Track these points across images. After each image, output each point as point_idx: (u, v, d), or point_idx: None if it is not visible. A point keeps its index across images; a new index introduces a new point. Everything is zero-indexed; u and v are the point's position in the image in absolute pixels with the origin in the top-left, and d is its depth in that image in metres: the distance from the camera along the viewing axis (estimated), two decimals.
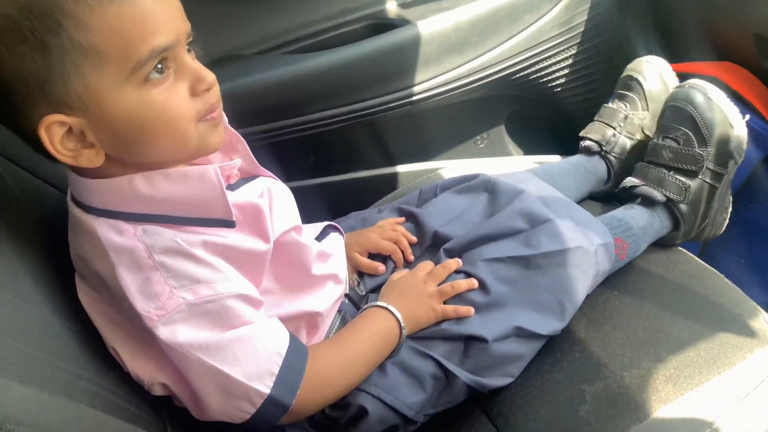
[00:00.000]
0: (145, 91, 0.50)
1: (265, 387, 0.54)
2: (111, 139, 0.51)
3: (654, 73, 0.91)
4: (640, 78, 0.91)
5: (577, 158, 0.93)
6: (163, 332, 0.51)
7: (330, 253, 0.70)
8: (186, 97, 0.52)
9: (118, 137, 0.51)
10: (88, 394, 0.47)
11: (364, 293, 0.76)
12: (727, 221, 0.89)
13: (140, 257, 0.51)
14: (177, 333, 0.51)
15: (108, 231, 0.52)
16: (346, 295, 0.73)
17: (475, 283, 0.70)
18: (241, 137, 0.64)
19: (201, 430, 0.58)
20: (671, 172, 0.82)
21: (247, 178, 0.63)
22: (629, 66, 0.94)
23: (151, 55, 0.49)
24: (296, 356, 0.57)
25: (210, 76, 0.53)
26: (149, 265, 0.51)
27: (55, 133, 0.49)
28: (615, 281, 0.77)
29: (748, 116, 0.84)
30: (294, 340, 0.58)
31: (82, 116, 0.49)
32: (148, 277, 0.51)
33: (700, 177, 0.82)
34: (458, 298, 0.70)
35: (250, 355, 0.54)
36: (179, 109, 0.51)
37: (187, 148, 0.54)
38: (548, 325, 0.69)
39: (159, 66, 0.50)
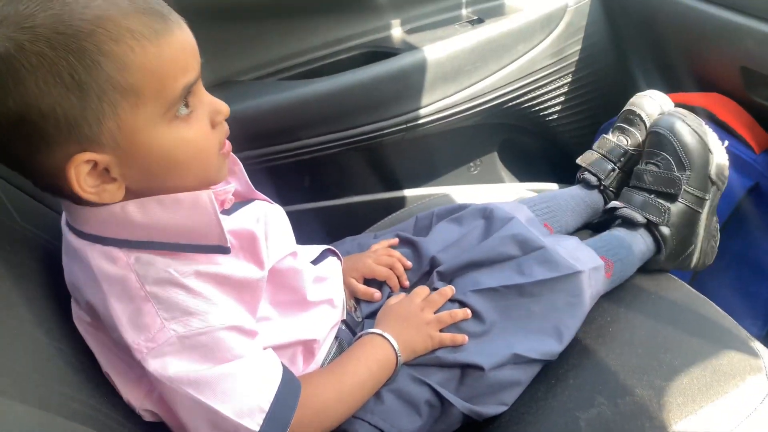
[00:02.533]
0: (176, 127, 0.50)
1: (255, 424, 0.53)
2: (138, 174, 0.50)
3: (655, 109, 0.93)
4: (642, 113, 0.93)
5: (575, 190, 0.94)
6: (153, 365, 0.50)
7: (326, 277, 0.70)
8: (208, 129, 0.53)
9: (146, 172, 0.51)
10: (82, 416, 0.46)
11: (360, 319, 0.76)
12: (716, 250, 0.90)
13: (132, 287, 0.51)
14: (167, 366, 0.51)
15: (100, 259, 0.52)
16: (343, 321, 0.72)
17: (469, 313, 0.70)
18: (238, 160, 0.64)
19: None
20: (652, 195, 0.85)
21: (242, 202, 0.63)
22: (631, 100, 0.95)
23: (183, 92, 0.50)
24: (288, 391, 0.56)
25: (225, 106, 0.54)
26: (141, 295, 0.51)
27: (81, 171, 0.48)
28: (607, 307, 0.77)
29: (727, 143, 0.86)
30: (287, 374, 0.57)
31: (112, 153, 0.48)
32: (139, 308, 0.51)
33: (680, 200, 0.84)
34: (453, 326, 0.70)
35: (240, 391, 0.53)
36: (206, 142, 0.53)
37: (207, 180, 0.55)
38: (546, 349, 0.70)
39: (185, 101, 0.51)
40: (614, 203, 0.86)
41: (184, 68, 0.49)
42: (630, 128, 0.93)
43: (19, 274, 0.54)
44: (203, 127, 0.53)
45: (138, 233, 0.52)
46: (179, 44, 0.49)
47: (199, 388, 0.51)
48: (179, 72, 0.49)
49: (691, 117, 0.86)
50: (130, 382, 0.54)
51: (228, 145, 0.57)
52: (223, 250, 0.54)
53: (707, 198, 0.85)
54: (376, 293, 0.78)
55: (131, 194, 0.52)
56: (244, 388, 0.53)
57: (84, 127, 0.47)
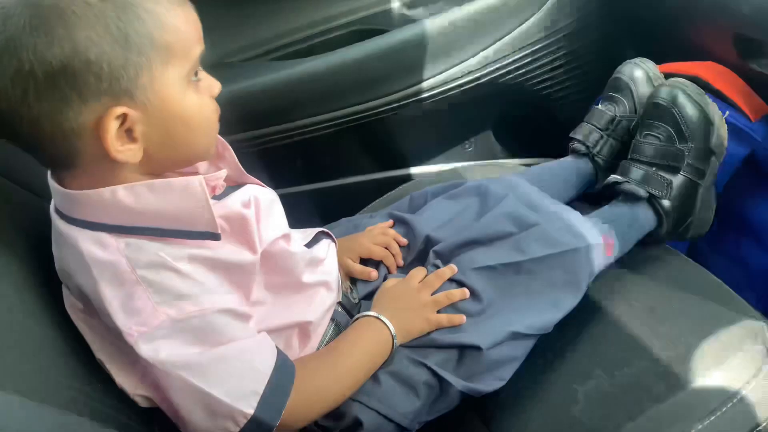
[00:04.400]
0: (192, 92, 0.54)
1: (249, 407, 0.53)
2: (159, 133, 0.52)
3: (642, 75, 0.92)
4: (628, 80, 0.92)
5: (565, 161, 0.94)
6: (145, 349, 0.50)
7: (321, 259, 0.69)
8: (211, 100, 0.57)
9: (167, 133, 0.52)
10: (77, 403, 0.46)
11: (357, 300, 0.76)
12: (712, 219, 0.89)
13: (122, 272, 0.51)
14: (159, 350, 0.50)
15: (90, 245, 0.51)
16: (339, 303, 0.72)
17: (467, 293, 0.70)
18: (227, 145, 0.64)
19: None
20: (653, 169, 0.83)
21: (233, 186, 0.63)
22: (618, 68, 0.95)
23: (199, 59, 0.54)
24: (283, 374, 0.56)
25: (218, 83, 0.58)
26: (132, 280, 0.50)
27: (112, 127, 0.49)
28: (604, 281, 0.77)
29: (727, 113, 0.85)
30: (281, 357, 0.57)
31: (141, 110, 0.50)
32: (131, 293, 0.50)
33: (681, 173, 0.83)
34: (451, 306, 0.70)
35: (234, 375, 0.53)
36: (212, 110, 0.57)
37: (207, 153, 0.59)
38: (542, 324, 0.70)
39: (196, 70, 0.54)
40: (615, 177, 0.85)
41: (199, 38, 0.53)
42: (617, 95, 0.92)
43: (9, 263, 0.53)
44: (207, 96, 0.56)
45: (128, 218, 0.52)
46: (196, 16, 0.54)
47: (192, 372, 0.51)
48: (198, 40, 0.53)
49: (692, 87, 0.85)
50: (124, 367, 0.54)
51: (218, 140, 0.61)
52: (214, 236, 0.54)
53: (707, 169, 0.84)
54: (373, 272, 0.78)
55: (143, 162, 0.53)
56: (238, 371, 0.53)
57: (123, 79, 0.49)
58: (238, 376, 0.53)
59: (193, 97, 0.54)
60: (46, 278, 0.56)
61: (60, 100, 0.48)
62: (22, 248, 0.57)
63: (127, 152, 0.51)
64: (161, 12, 0.50)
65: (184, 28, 0.51)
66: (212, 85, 0.57)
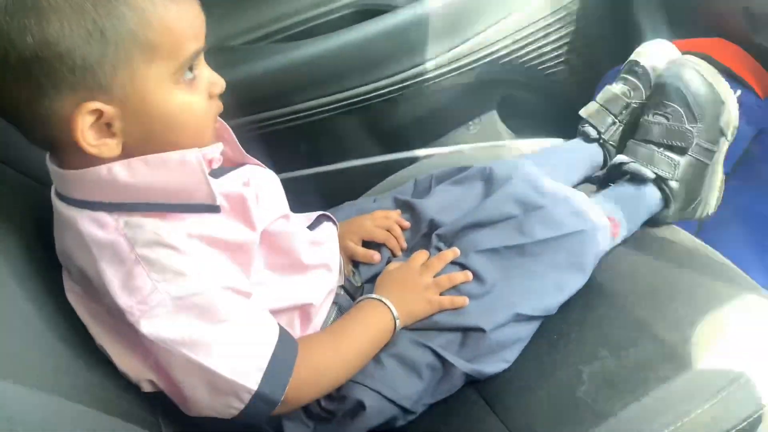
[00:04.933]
0: (179, 90, 0.52)
1: (253, 383, 0.53)
2: (138, 130, 0.51)
3: (660, 59, 0.90)
4: (645, 64, 0.89)
5: (574, 144, 0.92)
6: (146, 327, 0.50)
7: (322, 241, 0.69)
8: (207, 99, 0.55)
9: (146, 130, 0.51)
10: (78, 391, 0.46)
11: (359, 284, 0.76)
12: (719, 200, 0.88)
13: (122, 251, 0.51)
14: (160, 328, 0.50)
15: (90, 225, 0.51)
16: (342, 287, 0.72)
17: (470, 275, 0.70)
18: (226, 125, 0.63)
19: (195, 425, 0.57)
20: (661, 149, 0.82)
21: (233, 167, 0.63)
22: (637, 50, 0.92)
23: (192, 57, 0.52)
24: (285, 350, 0.56)
25: (222, 81, 0.56)
26: (131, 258, 0.50)
27: (86, 121, 0.48)
28: (611, 261, 0.76)
29: (739, 92, 0.84)
30: (283, 334, 0.57)
31: (119, 106, 0.49)
32: (131, 271, 0.50)
33: (689, 153, 0.81)
34: (454, 288, 0.70)
35: (236, 351, 0.53)
36: (204, 110, 0.55)
37: (198, 146, 0.55)
38: (546, 305, 0.69)
39: (190, 66, 0.52)
40: (621, 158, 0.84)
41: (196, 35, 0.52)
42: (633, 79, 0.90)
43: (8, 249, 0.53)
44: (203, 95, 0.54)
45: (126, 195, 0.52)
46: (195, 11, 0.52)
47: (194, 349, 0.51)
48: (193, 37, 0.51)
49: (703, 65, 0.83)
50: (125, 351, 0.54)
51: (218, 122, 0.59)
52: (213, 208, 0.54)
53: (716, 150, 0.83)
54: (376, 255, 0.78)
55: (126, 154, 0.52)
56: (241, 347, 0.53)
57: (98, 74, 0.47)
58: (240, 353, 0.53)
59: (181, 97, 0.52)
60: (47, 265, 0.56)
61: (35, 88, 0.47)
62: (22, 235, 0.57)
63: (102, 147, 0.50)
64: (146, 8, 0.48)
65: (175, 25, 0.50)
66: (214, 83, 0.55)
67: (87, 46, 0.46)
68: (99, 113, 0.49)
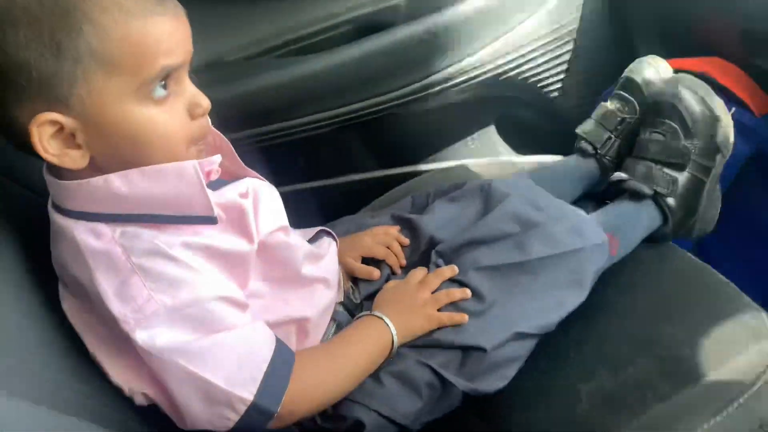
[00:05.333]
0: (146, 107, 0.51)
1: (248, 393, 0.52)
2: (102, 145, 0.50)
3: (653, 75, 0.91)
4: (638, 79, 0.90)
5: (571, 160, 0.93)
6: (141, 337, 0.50)
7: (321, 255, 0.69)
8: (183, 120, 0.53)
9: (110, 145, 0.51)
10: (73, 403, 0.46)
11: (359, 301, 0.76)
12: (717, 218, 0.89)
13: (118, 260, 0.50)
14: (155, 337, 0.50)
15: (86, 235, 0.51)
16: (341, 303, 0.72)
17: (468, 293, 0.69)
18: (225, 138, 0.63)
19: None
20: (658, 166, 0.82)
21: (230, 179, 0.62)
22: (630, 66, 0.93)
23: (160, 74, 0.50)
24: (282, 362, 0.55)
25: (206, 101, 0.54)
26: (127, 268, 0.50)
27: (45, 131, 0.48)
28: (608, 279, 0.76)
29: (734, 109, 0.84)
30: (280, 345, 0.57)
31: (79, 119, 0.49)
32: (126, 280, 0.50)
33: (687, 170, 0.82)
34: (452, 306, 0.69)
35: (232, 361, 0.52)
36: (176, 129, 0.53)
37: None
38: (545, 323, 0.69)
39: (163, 83, 0.51)
40: (620, 175, 0.84)
41: (167, 51, 0.50)
42: (627, 95, 0.91)
43: (5, 260, 0.53)
44: (177, 115, 0.53)
45: (122, 206, 0.52)
46: (169, 28, 0.50)
47: (189, 359, 0.51)
48: (161, 53, 0.49)
49: (699, 84, 0.84)
50: (120, 363, 0.53)
51: (202, 143, 0.57)
52: (210, 220, 0.54)
53: (713, 166, 0.83)
54: (375, 272, 0.77)
55: (96, 167, 0.52)
56: (236, 357, 0.53)
57: (55, 87, 0.47)
58: (236, 363, 0.53)
59: (145, 113, 0.50)
60: (44, 278, 0.55)
61: (3, 99, 0.48)
62: (19, 247, 0.56)
63: (63, 157, 0.50)
64: (107, 23, 0.47)
65: (139, 41, 0.48)
66: (195, 104, 0.53)
67: (42, 59, 0.46)
68: (59, 125, 0.49)
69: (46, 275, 0.56)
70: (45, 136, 0.48)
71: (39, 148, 0.49)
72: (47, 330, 0.52)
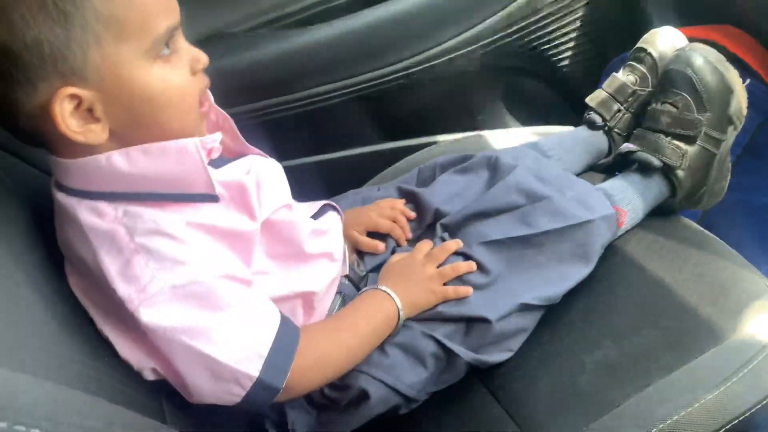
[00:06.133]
0: (158, 68, 0.51)
1: (254, 370, 0.53)
2: (122, 113, 0.50)
3: (667, 47, 0.88)
4: (653, 51, 0.88)
5: (579, 131, 0.92)
6: (146, 315, 0.50)
7: (325, 230, 0.69)
8: (189, 75, 0.54)
9: (129, 111, 0.51)
10: (82, 378, 0.46)
11: (364, 273, 0.76)
12: (725, 189, 0.88)
13: (121, 240, 0.51)
14: (160, 316, 0.50)
15: (88, 214, 0.51)
16: (346, 276, 0.72)
17: (474, 266, 0.69)
18: (227, 115, 0.63)
19: (199, 412, 0.57)
20: (668, 138, 0.81)
21: (234, 157, 0.62)
22: (644, 37, 0.90)
23: (167, 33, 0.50)
24: (287, 338, 0.56)
25: (204, 55, 0.55)
26: (130, 248, 0.50)
27: (65, 108, 0.48)
28: (615, 250, 0.76)
29: (748, 80, 0.82)
30: (285, 321, 0.57)
31: (96, 89, 0.49)
32: (129, 260, 0.50)
33: (698, 143, 0.80)
34: (458, 279, 0.69)
35: (237, 338, 0.53)
36: (187, 86, 0.54)
37: (186, 130, 0.54)
38: (550, 294, 0.69)
39: (166, 42, 0.51)
40: (629, 146, 0.83)
41: (166, 9, 0.51)
42: (640, 67, 0.89)
43: (13, 239, 0.53)
44: (184, 71, 0.53)
45: (124, 185, 0.52)
46: None
47: (194, 336, 0.51)
48: (162, 11, 0.50)
49: (713, 54, 0.81)
50: (127, 340, 0.54)
51: (207, 104, 0.57)
52: (211, 198, 0.54)
53: (724, 139, 0.82)
54: (380, 245, 0.78)
55: (116, 139, 0.51)
56: (241, 334, 0.53)
57: (69, 58, 0.47)
58: (241, 340, 0.53)
59: (159, 73, 0.51)
60: (51, 254, 0.56)
61: (10, 82, 0.47)
62: (26, 224, 0.57)
63: (87, 133, 0.50)
64: None
65: (141, 1, 0.49)
66: (195, 59, 0.54)
67: (52, 31, 0.46)
68: (78, 99, 0.48)
69: (54, 252, 0.56)
70: (66, 113, 0.48)
71: (62, 127, 0.48)
72: (55, 306, 0.52)
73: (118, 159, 0.51)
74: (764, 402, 0.59)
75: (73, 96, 0.48)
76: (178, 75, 0.53)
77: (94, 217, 0.51)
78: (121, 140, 0.52)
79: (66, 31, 0.46)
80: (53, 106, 0.47)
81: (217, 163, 0.58)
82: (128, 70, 0.49)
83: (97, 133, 0.50)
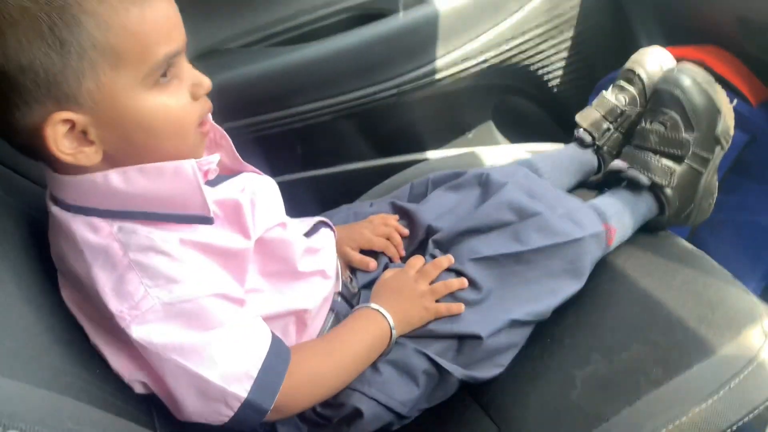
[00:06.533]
0: (155, 95, 0.51)
1: (243, 390, 0.53)
2: (115, 138, 0.50)
3: (656, 67, 0.90)
4: (641, 72, 0.89)
5: (569, 149, 0.93)
6: (137, 332, 0.50)
7: (318, 249, 0.69)
8: (189, 101, 0.53)
9: (123, 137, 0.51)
10: (74, 388, 0.46)
11: (356, 290, 0.76)
12: (712, 206, 0.89)
13: (115, 256, 0.51)
14: (151, 334, 0.50)
15: (83, 229, 0.51)
16: (339, 293, 0.72)
17: (465, 282, 0.70)
18: (224, 133, 0.63)
19: (190, 426, 0.57)
20: (657, 156, 0.82)
21: (229, 175, 0.62)
22: (632, 57, 0.92)
23: (164, 60, 0.50)
24: (277, 358, 0.56)
25: (207, 80, 0.54)
26: (124, 264, 0.50)
27: (58, 131, 0.48)
28: (604, 265, 0.77)
29: (735, 101, 0.84)
30: (276, 341, 0.57)
31: (90, 115, 0.49)
32: (122, 276, 0.50)
33: (686, 162, 0.82)
34: (449, 296, 0.70)
35: (227, 358, 0.52)
36: (185, 112, 0.53)
37: (182, 152, 0.54)
38: (541, 310, 0.70)
39: (164, 70, 0.51)
40: (618, 164, 0.84)
41: (167, 36, 0.50)
42: (628, 87, 0.90)
43: (6, 250, 0.53)
44: (182, 97, 0.53)
45: (120, 203, 0.52)
46: (164, 12, 0.50)
47: (184, 355, 0.51)
48: (162, 39, 0.50)
49: (701, 74, 0.82)
50: (118, 353, 0.54)
51: (208, 124, 0.57)
52: (206, 220, 0.54)
53: (711, 158, 0.83)
54: (372, 262, 0.77)
55: (109, 161, 0.52)
56: (231, 354, 0.53)
57: (63, 84, 0.47)
58: (231, 360, 0.53)
59: (155, 100, 0.51)
60: (44, 266, 0.56)
61: (6, 102, 0.47)
62: (19, 236, 0.57)
63: (79, 155, 0.50)
64: (105, 13, 0.46)
65: (138, 29, 0.48)
66: (197, 84, 0.53)
67: (47, 57, 0.46)
68: (71, 122, 0.48)
69: (48, 263, 0.56)
70: (59, 135, 0.48)
71: (54, 149, 0.48)
72: (48, 316, 0.52)
73: (115, 177, 0.51)
74: (751, 415, 0.60)
75: (66, 120, 0.48)
76: (177, 101, 0.52)
77: (89, 232, 0.51)
78: (114, 161, 0.52)
79: (61, 58, 0.46)
80: (46, 129, 0.48)
81: (213, 182, 0.59)
82: (123, 98, 0.49)
83: (89, 156, 0.50)
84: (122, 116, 0.50)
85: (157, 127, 0.51)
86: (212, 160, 0.58)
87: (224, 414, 0.53)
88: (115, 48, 0.47)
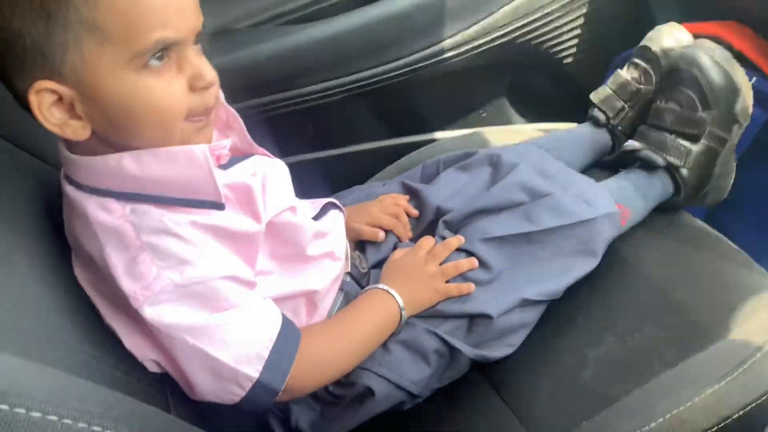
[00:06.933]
0: (142, 78, 0.49)
1: (254, 371, 0.53)
2: (99, 116, 0.50)
3: (672, 44, 0.87)
4: (657, 49, 0.87)
5: (583, 128, 0.92)
6: (149, 313, 0.51)
7: (327, 232, 0.69)
8: (182, 91, 0.51)
9: (106, 116, 0.50)
10: (88, 367, 0.47)
11: (366, 270, 0.76)
12: (730, 186, 0.87)
13: (127, 237, 0.51)
14: (163, 314, 0.51)
15: (97, 210, 0.52)
16: (349, 274, 0.72)
17: (476, 262, 0.69)
18: (237, 115, 0.63)
19: (204, 406, 0.58)
20: (673, 136, 0.80)
21: (241, 156, 0.62)
22: (648, 35, 0.90)
23: (155, 46, 0.49)
24: (288, 339, 0.56)
25: (210, 74, 0.52)
26: (136, 245, 0.51)
27: (44, 99, 0.48)
28: (618, 246, 0.76)
29: (754, 78, 0.82)
30: (286, 323, 0.57)
31: (74, 88, 0.49)
32: (135, 257, 0.51)
33: (702, 141, 0.80)
34: (460, 275, 0.70)
35: (238, 339, 0.53)
36: (172, 101, 0.51)
37: (172, 140, 0.53)
38: (553, 289, 0.70)
39: (159, 54, 0.49)
40: (633, 144, 0.82)
41: (163, 23, 0.48)
42: (644, 64, 0.88)
43: (20, 230, 0.54)
44: (174, 86, 0.51)
45: (133, 185, 0.52)
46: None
47: (196, 335, 0.52)
48: (155, 24, 0.48)
49: (719, 52, 0.80)
50: (132, 332, 0.55)
51: (210, 117, 0.55)
52: (218, 206, 0.54)
53: (729, 137, 0.81)
54: (381, 232, 0.77)
55: (98, 139, 0.52)
56: (243, 335, 0.54)
57: (48, 55, 0.47)
58: (242, 341, 0.53)
59: (144, 84, 0.49)
60: (57, 246, 0.56)
61: (4, 66, 0.49)
62: (33, 216, 0.57)
63: (65, 127, 0.50)
64: None
65: (128, 10, 0.47)
66: (197, 76, 0.51)
67: (34, 26, 0.46)
68: (58, 94, 0.49)
69: (61, 243, 0.56)
70: (45, 104, 0.49)
71: (39, 116, 0.49)
72: (61, 295, 0.52)
73: (128, 160, 0.52)
74: (763, 398, 0.60)
75: (52, 90, 0.48)
76: (165, 87, 0.50)
77: (102, 213, 0.52)
78: (108, 142, 0.52)
79: (47, 30, 0.46)
80: (30, 95, 0.48)
81: (225, 164, 0.59)
82: (106, 76, 0.48)
83: (76, 130, 0.50)
84: (104, 94, 0.49)
85: (137, 111, 0.50)
86: (224, 145, 0.58)
87: (236, 394, 0.54)
88: (101, 26, 0.47)
